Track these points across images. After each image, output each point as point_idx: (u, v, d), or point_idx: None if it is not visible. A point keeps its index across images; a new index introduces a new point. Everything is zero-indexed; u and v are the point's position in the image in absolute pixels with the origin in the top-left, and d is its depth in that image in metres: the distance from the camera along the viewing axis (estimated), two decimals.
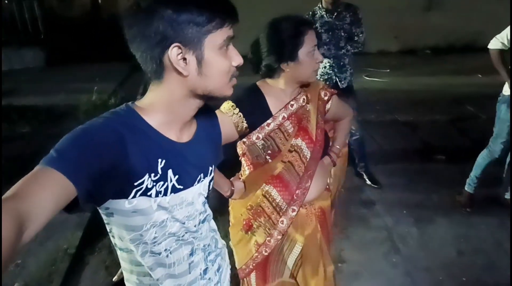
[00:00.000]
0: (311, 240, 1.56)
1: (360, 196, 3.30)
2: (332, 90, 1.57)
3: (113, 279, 2.38)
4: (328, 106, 1.54)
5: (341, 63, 3.10)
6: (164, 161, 0.85)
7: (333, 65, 3.09)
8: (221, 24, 0.80)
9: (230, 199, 1.60)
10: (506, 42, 2.65)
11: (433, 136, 4.56)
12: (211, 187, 1.04)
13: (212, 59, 0.81)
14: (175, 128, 0.89)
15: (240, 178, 1.59)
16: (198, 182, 0.95)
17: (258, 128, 1.42)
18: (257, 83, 1.49)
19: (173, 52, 0.78)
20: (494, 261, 2.53)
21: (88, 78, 6.75)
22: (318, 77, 3.08)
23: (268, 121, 1.42)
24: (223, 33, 0.81)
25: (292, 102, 1.45)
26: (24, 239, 0.59)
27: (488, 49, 2.76)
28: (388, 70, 7.71)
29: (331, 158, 1.66)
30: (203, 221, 1.02)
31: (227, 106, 1.40)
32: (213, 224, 1.12)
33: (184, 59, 0.79)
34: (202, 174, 0.96)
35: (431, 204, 3.20)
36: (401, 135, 4.63)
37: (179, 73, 0.81)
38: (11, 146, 4.31)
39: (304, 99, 1.47)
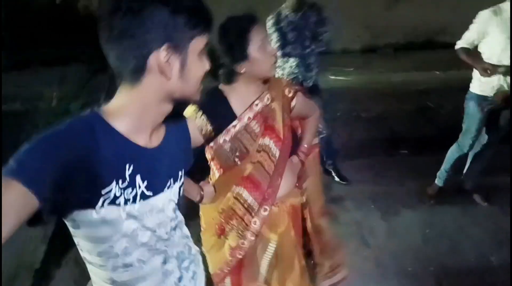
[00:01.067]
0: (284, 237, 1.56)
1: (329, 193, 3.36)
2: (296, 87, 1.58)
3: None
4: (293, 103, 1.54)
5: (307, 62, 3.13)
6: (132, 167, 0.82)
7: (299, 64, 3.12)
8: (204, 30, 0.83)
9: (200, 204, 1.58)
10: (470, 44, 2.73)
11: (396, 130, 4.71)
12: (181, 192, 1.02)
13: (193, 64, 0.82)
14: (145, 133, 0.86)
15: (209, 182, 1.57)
16: (168, 188, 0.93)
17: (224, 131, 1.41)
18: (219, 86, 1.48)
19: (162, 54, 0.77)
20: (458, 246, 2.65)
21: (46, 83, 6.48)
22: (285, 76, 3.11)
23: (234, 123, 1.42)
24: (204, 38, 0.83)
25: (256, 102, 1.45)
26: None
27: (453, 45, 2.82)
28: (352, 69, 7.88)
29: (299, 157, 1.66)
30: (174, 228, 1.00)
31: (190, 110, 1.38)
32: (185, 230, 1.10)
33: (168, 62, 0.78)
34: (172, 180, 0.94)
35: (398, 196, 3.29)
36: (367, 131, 4.75)
37: (161, 75, 0.79)
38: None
39: (268, 97, 1.47)
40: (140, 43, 0.77)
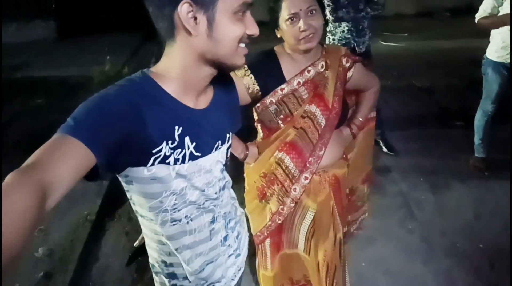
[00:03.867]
0: (323, 206, 1.55)
1: (376, 163, 3.27)
2: (356, 57, 1.50)
3: (135, 244, 2.45)
4: (349, 74, 1.48)
5: (360, 26, 2.99)
6: (181, 128, 0.83)
7: (352, 29, 2.98)
8: None
9: (245, 165, 1.60)
10: (488, 11, 2.68)
11: (450, 100, 4.45)
12: (229, 154, 1.03)
13: (224, 23, 0.78)
14: (192, 95, 0.87)
15: (255, 143, 1.58)
16: (215, 150, 0.94)
17: (271, 93, 1.40)
18: (275, 47, 1.46)
19: (183, 9, 0.75)
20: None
21: (100, 49, 6.72)
22: (336, 41, 2.99)
23: (282, 86, 1.39)
24: None
25: (309, 68, 1.41)
26: (47, 207, 0.59)
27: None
28: (406, 34, 7.46)
29: (351, 130, 1.62)
30: (223, 188, 1.02)
31: (240, 69, 1.38)
32: (232, 191, 1.12)
33: (195, 18, 0.76)
34: (219, 142, 0.95)
35: (448, 169, 3.16)
36: (418, 100, 4.53)
37: (189, 33, 0.78)
38: (26, 119, 4.37)
39: (323, 65, 1.42)
40: (164, 0, 0.77)
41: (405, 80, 5.13)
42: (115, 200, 2.73)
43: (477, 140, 3.11)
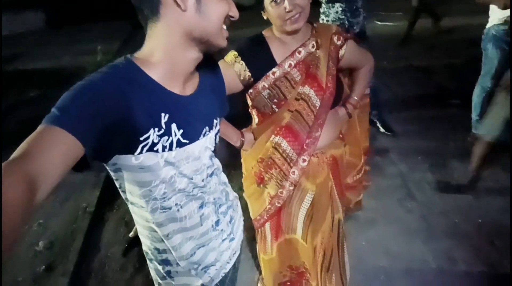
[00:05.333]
0: (322, 188, 1.54)
1: (374, 144, 3.26)
2: (347, 34, 1.46)
3: (130, 235, 2.45)
4: (342, 52, 1.43)
5: (354, 6, 2.93)
6: (167, 115, 0.82)
7: (346, 9, 2.92)
8: None
9: (242, 152, 1.59)
10: None
11: (448, 80, 4.42)
12: (217, 140, 1.02)
13: (212, 0, 0.80)
14: (178, 81, 0.85)
15: (251, 129, 1.56)
16: (203, 136, 0.93)
17: (263, 77, 1.37)
18: (263, 32, 1.43)
19: None
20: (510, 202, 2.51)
21: (91, 38, 6.63)
22: (330, 22, 2.94)
23: (274, 69, 1.37)
24: None
25: (300, 49, 1.37)
26: (37, 200, 0.58)
27: None
28: (401, 13, 7.36)
29: (346, 110, 1.59)
30: (211, 175, 1.01)
31: (230, 55, 1.36)
32: (223, 177, 1.11)
33: None
34: (207, 128, 0.94)
35: (446, 149, 3.16)
36: (415, 80, 4.50)
37: (176, 7, 0.76)
38: (20, 111, 4.33)
39: (313, 44, 1.38)
40: None
41: (402, 60, 5.08)
42: (114, 191, 2.71)
43: (474, 116, 3.11)
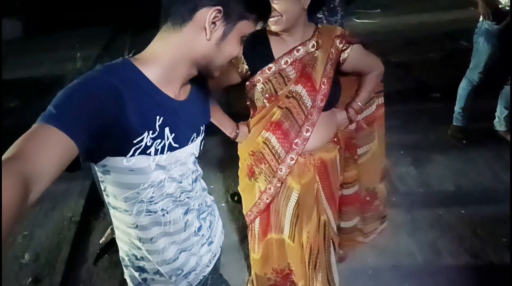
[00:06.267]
0: (307, 189, 1.55)
1: None
2: (353, 39, 1.42)
3: (100, 242, 2.42)
4: (344, 55, 1.41)
5: (331, 5, 2.96)
6: (162, 118, 0.82)
7: (323, 8, 2.96)
8: (257, 19, 0.87)
9: (238, 144, 1.61)
10: None
11: (427, 74, 4.50)
12: (201, 147, 1.03)
13: (233, 41, 0.85)
14: (173, 86, 0.87)
15: (246, 123, 1.58)
16: (191, 142, 0.95)
17: (259, 71, 1.39)
18: (267, 27, 1.42)
19: (212, 13, 0.79)
20: (492, 192, 2.58)
21: (70, 45, 6.53)
22: None
23: (270, 65, 1.38)
24: (252, 26, 0.87)
25: (299, 47, 1.38)
26: (30, 200, 0.57)
27: None
28: (379, 10, 7.47)
29: (348, 114, 1.57)
30: (195, 180, 1.02)
31: None
32: (203, 183, 1.13)
33: (214, 23, 0.80)
34: (195, 134, 0.96)
35: (428, 142, 3.23)
36: (395, 76, 4.56)
37: (201, 31, 0.81)
38: (1, 122, 4.24)
39: (314, 44, 1.38)
40: None
41: (381, 56, 5.11)
42: (99, 199, 2.68)
43: (457, 108, 3.14)
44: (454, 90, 3.18)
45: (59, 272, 2.24)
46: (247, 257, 2.23)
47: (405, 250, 2.23)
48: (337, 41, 1.39)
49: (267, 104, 1.43)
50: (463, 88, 3.08)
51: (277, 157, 1.48)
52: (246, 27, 0.85)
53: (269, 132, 1.46)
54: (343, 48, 1.40)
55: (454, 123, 3.21)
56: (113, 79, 0.75)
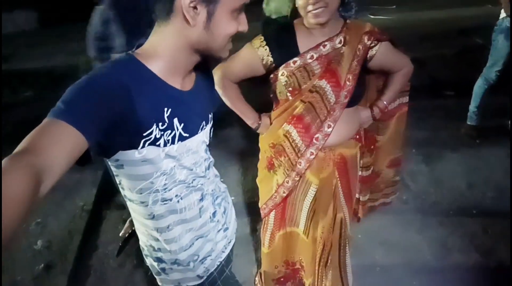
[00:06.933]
0: (325, 184, 1.55)
1: None
2: (382, 36, 1.39)
3: (120, 234, 2.46)
4: (372, 52, 1.38)
5: (346, 0, 2.94)
6: (170, 110, 0.84)
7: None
8: None
9: (260, 136, 1.60)
10: None
11: (441, 71, 4.45)
12: (211, 134, 1.05)
13: (222, 19, 0.80)
14: (178, 77, 0.87)
15: (269, 114, 1.58)
16: (201, 130, 0.96)
17: (284, 64, 1.38)
18: (295, 20, 1.41)
19: None
20: (504, 192, 2.55)
21: (84, 37, 6.58)
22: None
23: (295, 59, 1.36)
24: None
25: (326, 43, 1.35)
26: (41, 192, 0.58)
27: None
28: (394, 6, 7.38)
29: (372, 112, 1.56)
30: (208, 167, 1.04)
31: (257, 39, 1.39)
32: (215, 170, 1.14)
33: (195, 8, 0.77)
34: (204, 122, 0.97)
35: (440, 140, 3.20)
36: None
37: (186, 21, 0.78)
38: (14, 112, 4.31)
39: (341, 40, 1.35)
40: None
41: None
42: (111, 189, 2.72)
43: (472, 107, 3.09)
44: (468, 87, 3.14)
45: (71, 259, 2.28)
46: (256, 250, 2.25)
47: (415, 247, 2.21)
48: (365, 38, 1.36)
49: (290, 97, 1.42)
50: (478, 87, 3.02)
51: (297, 151, 1.47)
52: (235, 1, 0.80)
53: (290, 125, 1.45)
54: (371, 45, 1.37)
55: (468, 122, 3.16)
56: (121, 75, 0.76)
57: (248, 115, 1.53)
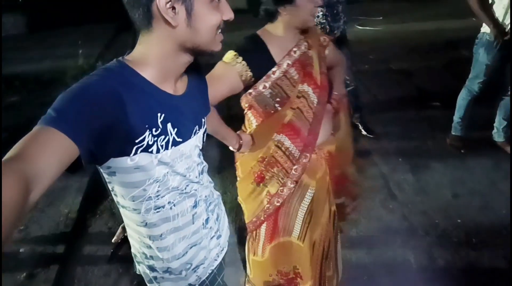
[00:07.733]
0: (321, 183, 1.60)
1: (356, 146, 3.31)
2: (329, 36, 1.56)
3: (113, 240, 2.42)
4: (326, 52, 1.53)
5: (335, 11, 2.99)
6: (163, 115, 0.84)
7: (327, 13, 2.98)
8: None
9: (237, 155, 1.60)
10: None
11: (428, 82, 4.53)
12: (205, 138, 1.05)
13: (202, 12, 0.79)
14: (170, 82, 0.87)
15: (244, 131, 1.57)
16: (194, 134, 0.96)
17: (263, 77, 1.39)
18: (257, 32, 1.44)
19: (161, 0, 0.75)
20: (489, 202, 2.59)
21: (72, 42, 6.53)
22: None
23: (273, 69, 1.39)
24: None
25: (294, 49, 1.42)
26: (31, 200, 0.58)
27: None
28: (381, 18, 7.51)
29: (332, 105, 1.66)
30: (201, 173, 1.04)
31: (229, 55, 1.36)
32: (208, 176, 1.14)
33: (173, 8, 0.76)
34: (197, 126, 0.97)
35: (427, 150, 3.24)
36: (396, 83, 4.59)
37: (168, 23, 0.78)
38: (2, 117, 4.24)
39: (305, 45, 1.44)
40: None
41: (383, 63, 5.18)
42: (96, 197, 2.69)
43: (456, 118, 3.16)
44: (454, 98, 3.20)
45: (54, 268, 2.24)
46: (243, 259, 2.24)
47: (401, 257, 2.23)
48: (322, 39, 1.52)
49: (279, 108, 1.44)
50: (462, 98, 3.09)
51: (291, 158, 1.48)
52: None
53: (281, 134, 1.46)
54: (325, 45, 1.53)
55: (453, 133, 3.22)
56: (112, 82, 0.76)
57: (229, 139, 1.49)
